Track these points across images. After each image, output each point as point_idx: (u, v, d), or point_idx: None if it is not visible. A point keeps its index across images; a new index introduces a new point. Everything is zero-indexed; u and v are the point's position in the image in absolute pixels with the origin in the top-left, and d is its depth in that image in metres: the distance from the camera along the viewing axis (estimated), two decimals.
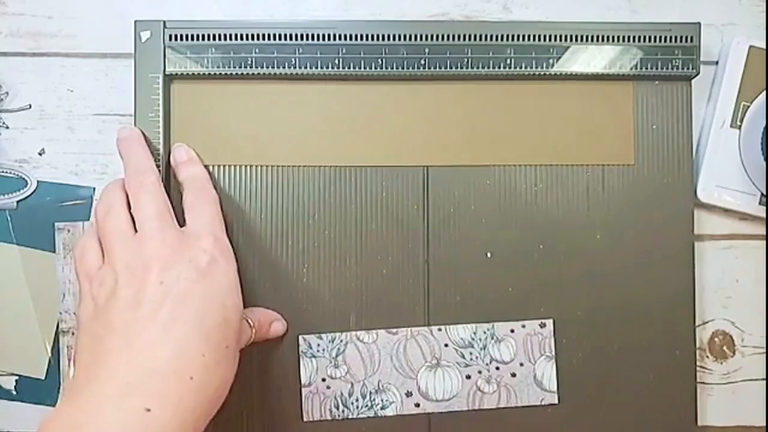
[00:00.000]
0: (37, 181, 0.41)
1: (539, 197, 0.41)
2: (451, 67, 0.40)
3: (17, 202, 0.41)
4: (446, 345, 0.41)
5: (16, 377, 0.41)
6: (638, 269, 0.41)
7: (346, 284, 0.40)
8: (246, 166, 0.40)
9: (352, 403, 0.40)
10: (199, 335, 0.32)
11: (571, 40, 0.40)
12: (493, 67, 0.40)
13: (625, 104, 0.42)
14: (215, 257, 0.34)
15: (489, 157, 0.41)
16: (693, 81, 0.42)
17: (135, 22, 0.39)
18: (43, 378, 0.41)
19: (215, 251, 0.34)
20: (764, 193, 0.42)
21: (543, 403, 0.41)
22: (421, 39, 0.40)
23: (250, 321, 0.37)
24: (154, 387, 0.30)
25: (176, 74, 0.39)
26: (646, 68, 0.41)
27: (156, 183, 0.36)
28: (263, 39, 0.39)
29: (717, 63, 0.43)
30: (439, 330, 0.41)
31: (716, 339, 0.43)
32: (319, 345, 0.40)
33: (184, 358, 0.31)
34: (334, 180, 0.41)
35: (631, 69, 0.40)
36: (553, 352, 0.41)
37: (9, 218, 0.41)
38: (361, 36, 0.40)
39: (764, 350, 0.43)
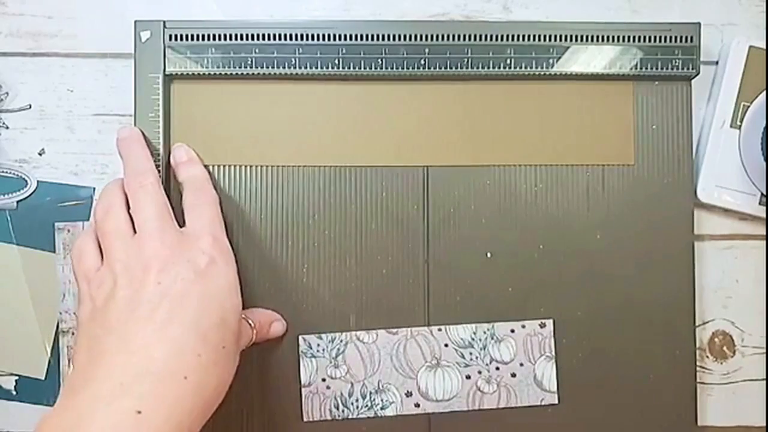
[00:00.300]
0: (37, 181, 0.41)
1: (539, 197, 0.41)
2: (451, 67, 0.40)
3: (17, 202, 0.41)
4: (446, 345, 0.41)
5: (16, 377, 0.41)
6: (638, 269, 0.41)
7: (346, 284, 0.40)
8: (246, 166, 0.40)
9: (352, 404, 0.40)
10: (195, 336, 0.31)
11: (571, 40, 0.40)
12: (493, 67, 0.40)
13: (625, 104, 0.42)
14: (214, 258, 0.34)
15: (489, 157, 0.41)
16: (693, 81, 0.42)
17: (135, 22, 0.39)
18: (43, 378, 0.41)
19: (214, 252, 0.34)
20: (764, 193, 0.42)
21: (543, 403, 0.41)
22: (421, 39, 0.40)
23: (250, 322, 0.37)
24: (148, 388, 0.29)
25: (176, 74, 0.39)
26: (646, 68, 0.41)
27: (155, 184, 0.36)
28: (263, 39, 0.39)
29: (717, 63, 0.43)
30: (439, 330, 0.41)
31: (716, 339, 0.43)
32: (319, 345, 0.40)
33: (179, 359, 0.31)
34: (334, 180, 0.41)
35: (631, 69, 0.40)
36: (553, 353, 0.41)
37: (9, 218, 0.41)
38: (361, 36, 0.40)
39: (764, 350, 0.43)
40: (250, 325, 0.37)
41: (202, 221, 0.36)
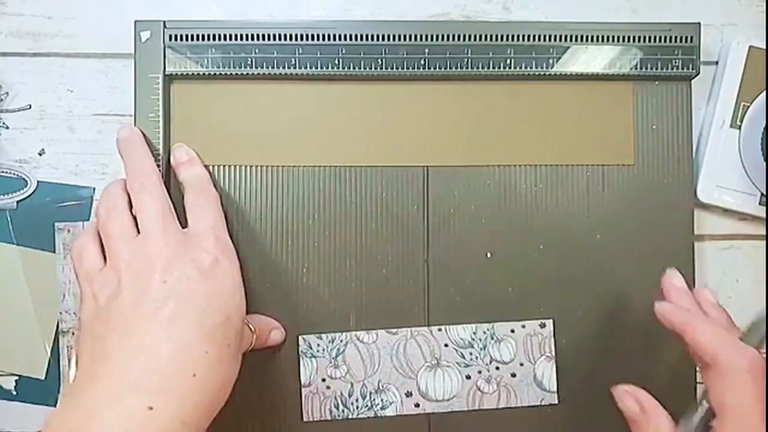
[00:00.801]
0: (37, 181, 0.41)
1: (539, 197, 0.41)
2: (451, 67, 0.40)
3: (17, 202, 0.41)
4: (446, 345, 0.41)
5: (16, 377, 0.41)
6: (638, 269, 0.41)
7: (346, 284, 0.40)
8: (246, 167, 0.40)
9: (352, 404, 0.40)
10: (201, 333, 0.32)
11: (571, 40, 0.40)
12: (493, 68, 0.40)
13: (625, 104, 0.42)
14: (218, 258, 0.34)
15: (489, 157, 0.41)
16: (693, 81, 0.42)
17: (135, 22, 0.39)
18: (43, 378, 0.41)
19: (218, 252, 0.34)
20: (764, 193, 0.42)
21: (543, 403, 0.41)
22: (421, 39, 0.40)
23: (251, 326, 0.37)
24: (156, 385, 0.30)
25: (176, 74, 0.39)
26: (646, 68, 0.41)
27: (158, 184, 0.36)
28: (263, 39, 0.39)
29: (717, 63, 0.43)
30: (439, 330, 0.41)
31: None
32: (318, 345, 0.40)
33: (186, 356, 0.31)
34: (334, 180, 0.41)
35: (631, 69, 0.41)
36: (553, 352, 0.41)
37: (9, 218, 0.41)
38: (361, 36, 0.40)
39: (764, 350, 0.43)
40: (251, 329, 0.37)
41: (205, 221, 0.36)
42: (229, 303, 0.34)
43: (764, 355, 0.32)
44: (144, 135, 0.38)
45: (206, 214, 0.36)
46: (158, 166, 0.38)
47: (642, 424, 0.33)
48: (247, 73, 0.39)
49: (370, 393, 0.40)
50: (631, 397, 0.34)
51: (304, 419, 0.40)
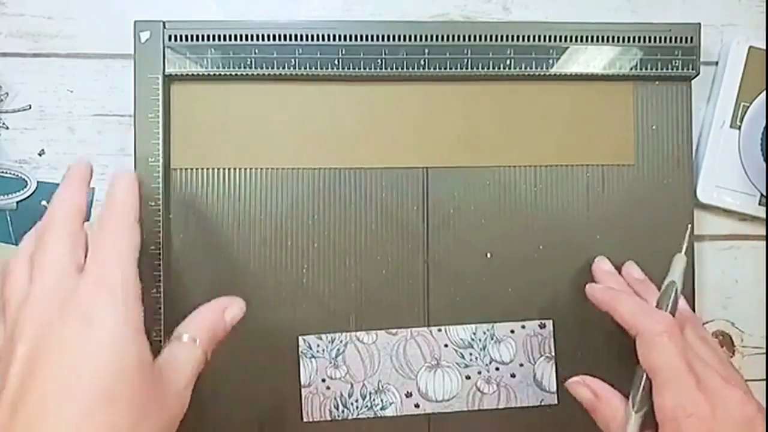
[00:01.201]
0: (37, 182, 0.41)
1: (539, 197, 0.41)
2: (451, 68, 0.40)
3: (17, 202, 0.41)
4: (446, 345, 0.41)
5: None
6: None
7: (346, 285, 0.40)
8: (246, 169, 0.40)
9: (352, 404, 0.40)
10: (72, 423, 0.26)
11: (570, 40, 0.40)
12: (493, 68, 0.40)
13: (625, 104, 0.42)
14: (92, 317, 0.28)
15: (489, 157, 0.41)
16: (693, 81, 0.42)
17: (135, 22, 0.39)
18: None
19: (94, 308, 0.28)
20: (764, 193, 0.42)
21: (543, 404, 0.41)
22: (421, 39, 0.40)
23: (197, 340, 0.31)
24: None
25: (176, 75, 0.39)
26: (646, 68, 0.41)
27: (60, 223, 0.30)
28: (263, 39, 0.39)
29: (717, 63, 0.43)
30: (439, 330, 0.41)
31: (716, 339, 0.43)
32: (318, 346, 0.40)
33: None
34: (334, 182, 0.41)
35: (631, 69, 0.40)
36: (553, 353, 0.41)
37: (9, 218, 0.41)
38: (361, 36, 0.40)
39: (764, 350, 0.43)
40: (196, 344, 0.31)
41: (95, 258, 0.30)
42: (105, 375, 0.27)
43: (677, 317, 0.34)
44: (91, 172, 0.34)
45: (101, 246, 0.30)
46: (156, 173, 0.38)
47: (598, 408, 0.35)
48: (247, 74, 0.39)
49: (370, 393, 0.40)
50: (583, 387, 0.36)
51: (304, 419, 0.40)
